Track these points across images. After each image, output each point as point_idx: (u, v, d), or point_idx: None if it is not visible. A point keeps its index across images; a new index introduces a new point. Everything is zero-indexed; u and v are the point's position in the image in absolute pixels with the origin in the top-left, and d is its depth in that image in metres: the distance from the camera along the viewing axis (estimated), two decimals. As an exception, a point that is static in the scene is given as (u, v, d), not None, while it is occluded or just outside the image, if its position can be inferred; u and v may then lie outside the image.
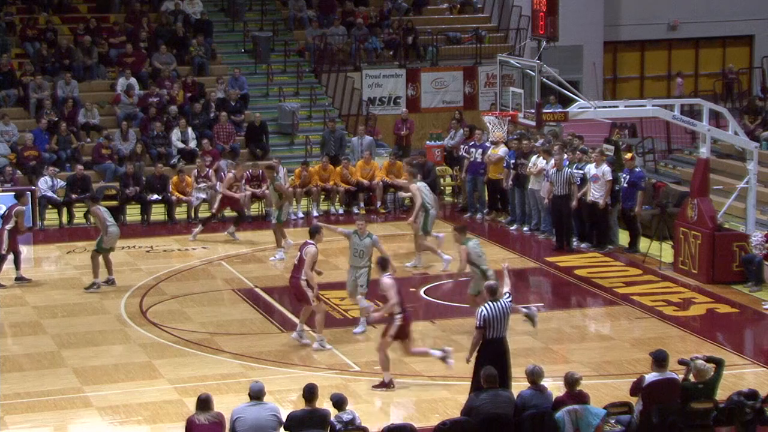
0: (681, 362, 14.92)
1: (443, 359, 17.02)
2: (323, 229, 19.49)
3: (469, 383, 16.35)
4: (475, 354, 15.54)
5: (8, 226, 22.20)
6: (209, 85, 32.40)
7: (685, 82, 39.31)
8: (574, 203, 24.43)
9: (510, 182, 26.60)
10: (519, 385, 15.06)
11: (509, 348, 15.67)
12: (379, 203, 28.56)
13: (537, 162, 25.62)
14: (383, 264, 17.32)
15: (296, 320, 19.54)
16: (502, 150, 26.78)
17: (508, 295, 15.77)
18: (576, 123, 25.97)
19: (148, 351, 18.73)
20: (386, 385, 16.76)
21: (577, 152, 25.46)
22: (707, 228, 22.38)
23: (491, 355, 15.32)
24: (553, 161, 24.92)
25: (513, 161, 26.47)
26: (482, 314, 15.37)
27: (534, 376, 14.25)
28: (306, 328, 19.13)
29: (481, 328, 15.37)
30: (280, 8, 36.59)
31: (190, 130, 30.35)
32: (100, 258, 22.01)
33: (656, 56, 43.56)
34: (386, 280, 16.94)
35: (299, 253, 18.66)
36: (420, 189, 23.21)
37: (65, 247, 25.45)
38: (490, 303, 15.47)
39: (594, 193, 24.41)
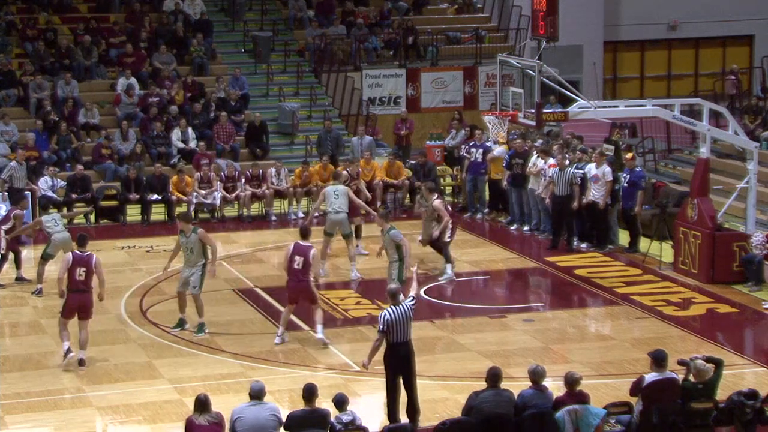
0: (680, 363, 14.91)
1: (66, 355, 17.96)
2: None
3: (469, 383, 16.42)
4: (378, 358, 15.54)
5: (5, 227, 22.23)
6: (209, 85, 32.40)
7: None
8: (575, 204, 24.42)
9: (506, 182, 26.60)
10: (519, 385, 15.07)
11: (414, 351, 15.54)
12: (379, 203, 28.52)
13: (536, 162, 25.64)
14: (80, 240, 18.32)
15: (300, 322, 19.58)
16: (502, 148, 26.77)
17: (412, 299, 15.75)
18: (576, 123, 25.96)
19: (148, 351, 18.73)
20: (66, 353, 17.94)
21: (577, 152, 25.46)
22: (707, 228, 22.38)
23: (397, 358, 15.30)
24: (554, 161, 24.94)
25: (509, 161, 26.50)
26: (385, 318, 15.22)
27: (535, 376, 14.25)
28: (305, 327, 19.18)
29: (383, 332, 15.24)
30: (280, 8, 36.58)
31: (190, 130, 30.36)
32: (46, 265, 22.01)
33: (656, 56, 43.55)
34: (65, 256, 18.51)
35: (302, 257, 18.61)
36: (326, 192, 23.08)
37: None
38: (392, 307, 15.36)
39: (594, 193, 24.41)
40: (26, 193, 25.58)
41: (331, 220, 22.85)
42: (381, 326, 15.26)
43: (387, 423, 14.80)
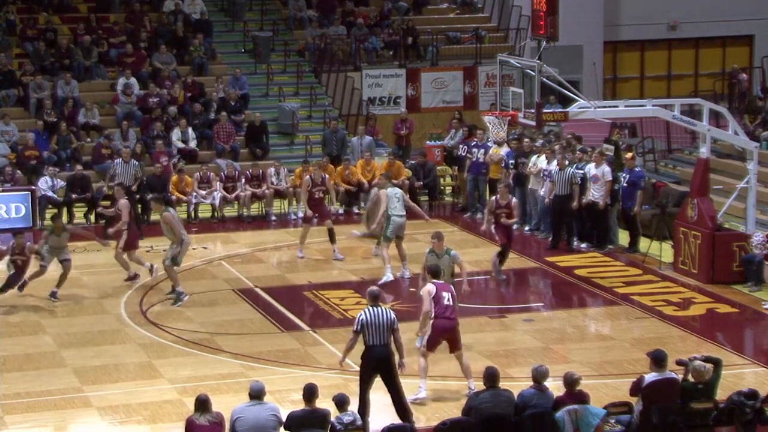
0: (679, 363, 14.91)
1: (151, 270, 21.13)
2: None
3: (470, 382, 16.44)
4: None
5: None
6: (209, 85, 32.40)
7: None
8: (574, 204, 24.42)
9: (511, 182, 26.60)
10: (520, 385, 15.07)
11: (393, 353, 15.47)
12: (379, 203, 28.53)
13: (537, 162, 25.64)
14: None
15: (300, 322, 19.59)
16: (504, 150, 26.79)
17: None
18: (576, 123, 25.97)
19: (148, 351, 18.73)
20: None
21: (578, 152, 25.46)
22: (707, 228, 22.38)
23: (372, 360, 15.33)
24: (555, 161, 24.94)
25: (512, 161, 26.49)
26: (360, 318, 15.36)
27: (538, 375, 14.27)
28: (305, 327, 19.13)
29: (356, 332, 15.36)
30: (280, 8, 36.59)
31: (190, 130, 30.37)
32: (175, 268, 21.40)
33: (656, 56, 43.56)
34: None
35: None
36: (388, 195, 22.43)
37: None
38: (369, 308, 15.45)
39: (594, 193, 24.42)
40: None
41: (397, 224, 22.30)
42: (355, 327, 15.40)
43: (387, 423, 14.76)
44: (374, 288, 16.12)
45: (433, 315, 16.40)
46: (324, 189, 24.32)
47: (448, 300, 16.51)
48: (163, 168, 27.77)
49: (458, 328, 16.65)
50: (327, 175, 25.26)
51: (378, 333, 15.29)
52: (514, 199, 22.79)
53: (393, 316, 15.47)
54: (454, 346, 16.56)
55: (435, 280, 16.80)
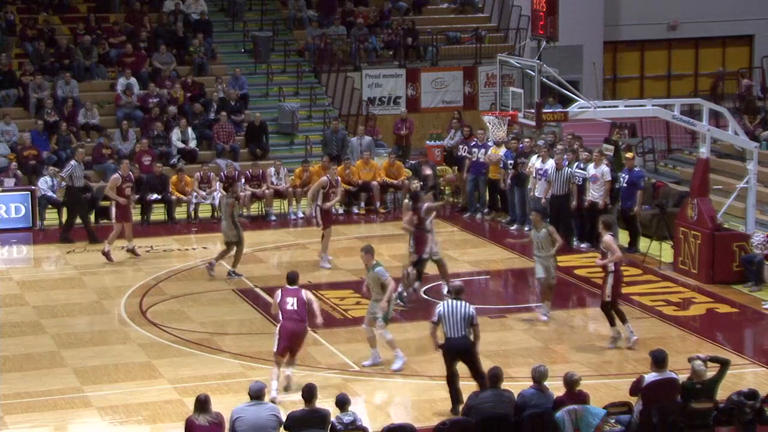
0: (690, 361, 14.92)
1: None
2: None
3: (469, 383, 16.44)
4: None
5: None
6: (209, 85, 32.41)
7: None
8: (574, 203, 24.43)
9: (509, 182, 26.62)
10: (520, 385, 15.06)
11: (471, 344, 15.98)
12: (378, 203, 28.58)
13: (535, 162, 25.63)
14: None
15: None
16: (502, 150, 26.79)
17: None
18: (576, 123, 25.96)
19: (148, 351, 18.73)
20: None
21: (584, 153, 25.41)
22: (707, 228, 22.38)
23: (450, 350, 15.93)
24: (551, 161, 24.94)
25: (511, 161, 26.50)
26: (438, 310, 16.04)
27: (538, 375, 14.28)
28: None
29: (434, 323, 16.03)
30: (280, 8, 36.60)
31: (190, 129, 30.38)
32: None
33: (656, 56, 43.55)
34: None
35: None
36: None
37: (65, 247, 25.43)
38: (449, 301, 16.09)
39: (593, 193, 24.42)
40: None
41: None
42: (433, 317, 16.02)
43: (388, 423, 14.77)
44: (457, 282, 16.75)
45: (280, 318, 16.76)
46: (336, 190, 24.07)
47: (292, 305, 16.76)
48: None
49: (302, 337, 16.77)
50: (339, 178, 25.19)
51: (454, 325, 15.84)
52: (608, 236, 19.21)
53: (471, 311, 15.98)
54: (292, 353, 16.78)
55: (286, 286, 17.10)
